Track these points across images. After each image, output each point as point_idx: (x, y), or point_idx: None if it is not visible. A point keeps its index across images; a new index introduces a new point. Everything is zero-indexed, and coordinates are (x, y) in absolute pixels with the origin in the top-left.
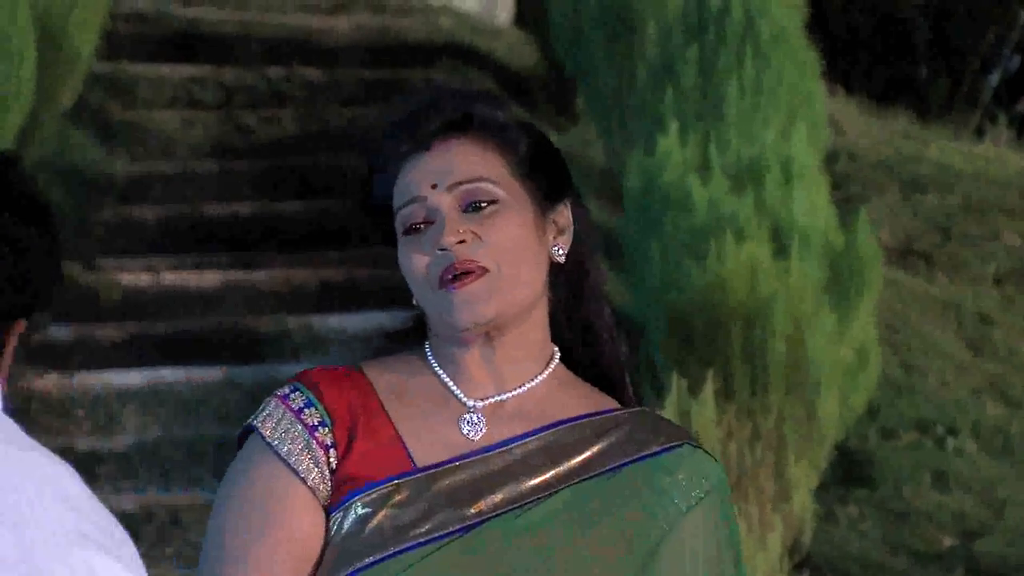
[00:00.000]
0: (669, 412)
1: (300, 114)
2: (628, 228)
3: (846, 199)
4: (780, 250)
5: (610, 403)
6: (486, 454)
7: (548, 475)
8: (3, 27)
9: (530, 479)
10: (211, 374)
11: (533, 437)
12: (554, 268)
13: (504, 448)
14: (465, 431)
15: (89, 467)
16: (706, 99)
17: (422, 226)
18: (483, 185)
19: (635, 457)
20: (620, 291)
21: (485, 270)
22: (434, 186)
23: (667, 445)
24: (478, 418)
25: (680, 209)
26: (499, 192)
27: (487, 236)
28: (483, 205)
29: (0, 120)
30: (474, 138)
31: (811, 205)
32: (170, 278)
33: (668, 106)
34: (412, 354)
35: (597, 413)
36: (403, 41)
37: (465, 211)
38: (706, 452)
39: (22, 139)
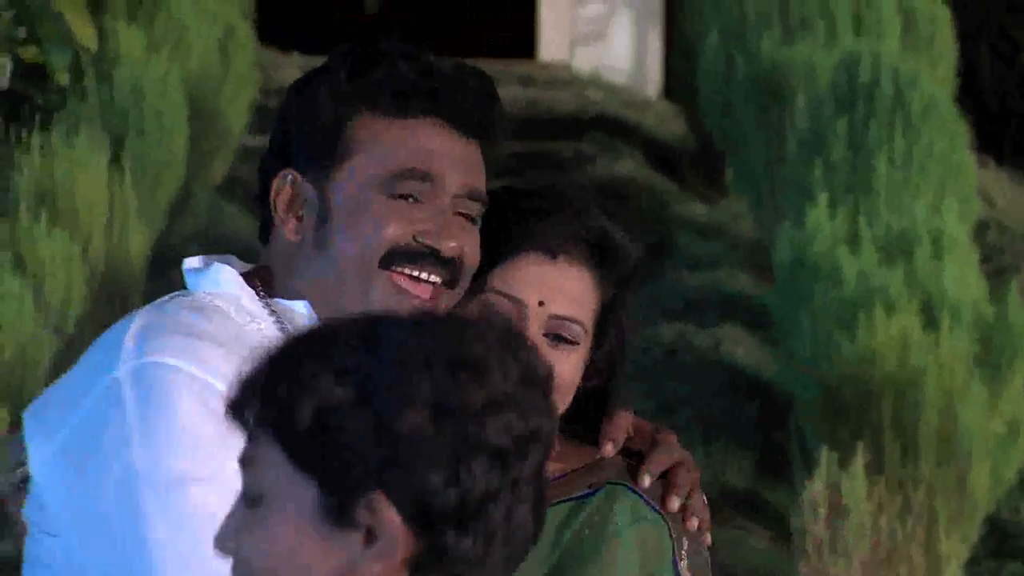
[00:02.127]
0: (818, 485)
1: None
2: (778, 300)
3: (997, 271)
4: (930, 322)
5: (587, 461)
6: None
7: None
8: (156, 103)
9: None
10: None
11: None
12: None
13: None
14: None
15: None
16: (856, 171)
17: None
18: (575, 328)
19: (561, 500)
20: (769, 362)
21: None
22: (540, 303)
23: (593, 489)
24: None
25: (830, 281)
26: (582, 337)
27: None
28: (563, 341)
29: (153, 193)
30: (592, 265)
31: (961, 277)
32: None
33: (818, 178)
34: None
35: (560, 476)
36: (553, 113)
37: (546, 334)
38: (636, 493)
39: (175, 212)
